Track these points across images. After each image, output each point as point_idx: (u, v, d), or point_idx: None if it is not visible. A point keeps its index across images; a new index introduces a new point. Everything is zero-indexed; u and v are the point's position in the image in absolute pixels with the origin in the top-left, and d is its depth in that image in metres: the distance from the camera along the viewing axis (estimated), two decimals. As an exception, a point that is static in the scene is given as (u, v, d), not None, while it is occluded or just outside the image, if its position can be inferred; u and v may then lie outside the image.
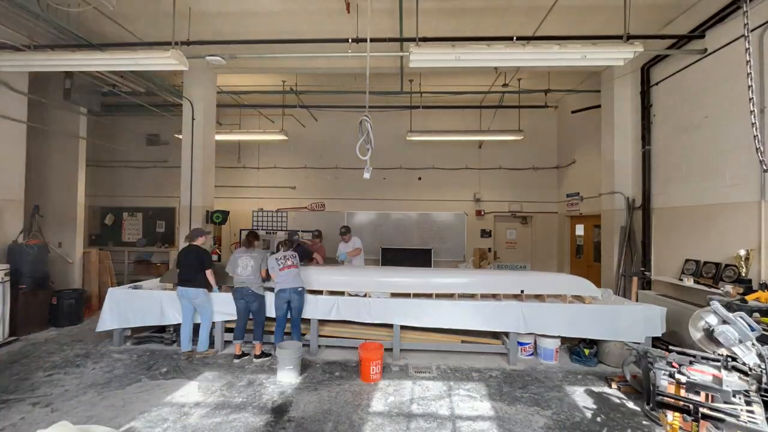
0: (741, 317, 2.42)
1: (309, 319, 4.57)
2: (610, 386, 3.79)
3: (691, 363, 2.51)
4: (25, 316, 5.02)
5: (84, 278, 6.55)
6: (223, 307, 4.57)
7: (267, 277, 4.46)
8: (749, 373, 2.35)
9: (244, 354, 4.40)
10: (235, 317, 4.47)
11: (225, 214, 6.95)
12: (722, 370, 2.37)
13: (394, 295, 4.65)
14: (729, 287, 3.78)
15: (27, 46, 4.67)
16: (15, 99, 5.17)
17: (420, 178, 9.29)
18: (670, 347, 3.21)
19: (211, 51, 5.13)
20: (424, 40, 4.75)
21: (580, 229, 8.17)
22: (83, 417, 3.08)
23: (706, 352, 2.60)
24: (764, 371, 2.29)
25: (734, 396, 2.21)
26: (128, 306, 4.67)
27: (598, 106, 6.68)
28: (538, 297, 4.64)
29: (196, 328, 4.48)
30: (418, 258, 8.64)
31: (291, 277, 4.36)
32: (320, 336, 4.59)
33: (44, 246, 5.43)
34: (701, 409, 2.16)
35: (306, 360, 4.26)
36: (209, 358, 4.34)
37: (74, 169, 6.52)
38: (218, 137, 7.40)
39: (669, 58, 5.12)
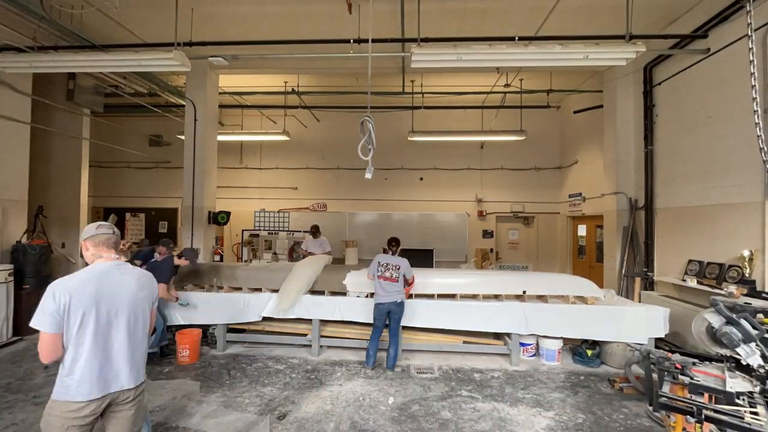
0: (745, 318, 2.41)
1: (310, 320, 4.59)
2: (612, 387, 3.78)
3: (694, 364, 2.49)
4: (29, 316, 4.97)
5: (87, 278, 6.58)
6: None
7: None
8: (753, 374, 2.34)
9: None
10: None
11: (227, 215, 6.97)
12: (726, 371, 2.36)
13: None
14: (732, 288, 3.76)
15: (31, 48, 4.70)
16: (18, 100, 5.20)
17: (422, 179, 9.29)
18: (673, 348, 3.20)
19: (213, 52, 5.16)
20: (426, 40, 4.75)
21: (582, 230, 8.15)
22: (86, 417, 3.08)
23: (710, 353, 2.59)
24: (768, 372, 2.28)
25: (738, 397, 2.20)
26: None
27: (601, 106, 6.66)
28: (540, 298, 4.62)
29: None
30: (420, 258, 8.57)
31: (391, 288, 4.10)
32: (322, 336, 4.58)
33: (47, 246, 5.45)
34: (704, 411, 2.15)
35: (308, 360, 4.28)
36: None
37: (77, 170, 6.56)
38: (220, 138, 7.42)
39: (672, 57, 5.10)
